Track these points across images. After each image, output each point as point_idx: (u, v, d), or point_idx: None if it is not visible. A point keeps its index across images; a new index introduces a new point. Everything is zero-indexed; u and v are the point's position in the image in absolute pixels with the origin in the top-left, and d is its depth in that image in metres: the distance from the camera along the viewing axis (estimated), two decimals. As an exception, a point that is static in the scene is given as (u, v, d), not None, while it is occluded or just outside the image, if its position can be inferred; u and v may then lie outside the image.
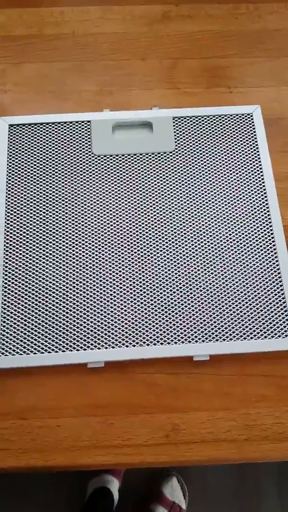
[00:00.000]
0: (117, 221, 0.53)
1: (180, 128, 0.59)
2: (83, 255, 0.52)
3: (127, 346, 0.48)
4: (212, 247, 0.52)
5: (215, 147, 0.58)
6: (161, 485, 1.01)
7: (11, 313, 0.49)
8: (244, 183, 0.56)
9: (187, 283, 0.51)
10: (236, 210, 0.54)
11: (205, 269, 0.51)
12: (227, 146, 0.58)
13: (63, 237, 0.53)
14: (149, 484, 1.03)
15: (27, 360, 0.47)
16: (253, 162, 0.57)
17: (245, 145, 0.58)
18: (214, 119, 0.59)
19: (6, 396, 0.47)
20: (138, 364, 0.48)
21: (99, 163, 0.57)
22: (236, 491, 1.06)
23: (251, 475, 1.07)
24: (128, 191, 0.55)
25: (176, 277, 0.51)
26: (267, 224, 0.54)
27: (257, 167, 0.57)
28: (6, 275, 0.51)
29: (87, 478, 1.02)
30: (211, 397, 0.47)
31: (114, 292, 0.50)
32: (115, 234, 0.53)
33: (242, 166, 0.57)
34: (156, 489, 1.00)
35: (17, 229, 0.53)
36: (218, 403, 0.47)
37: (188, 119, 0.59)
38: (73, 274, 0.51)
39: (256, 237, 0.53)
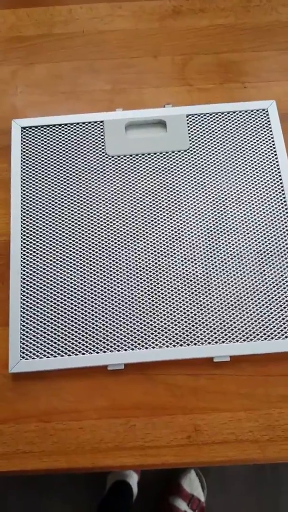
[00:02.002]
0: (133, 221, 0.53)
1: (194, 126, 0.58)
2: (100, 257, 0.52)
3: (147, 348, 0.48)
4: (230, 246, 0.52)
5: (231, 144, 0.57)
6: (180, 478, 1.01)
7: (30, 317, 0.49)
8: (261, 180, 0.55)
9: (206, 283, 0.50)
10: (253, 207, 0.54)
11: (223, 269, 0.51)
12: (242, 143, 0.57)
13: (79, 239, 0.53)
14: (167, 477, 1.03)
15: (48, 364, 0.48)
16: (270, 157, 0.56)
17: (261, 141, 0.57)
18: (229, 116, 0.58)
19: (28, 400, 0.48)
20: (158, 366, 0.48)
21: (112, 163, 0.56)
22: (255, 483, 1.06)
23: (269, 467, 1.07)
24: (143, 191, 0.55)
25: (195, 278, 0.51)
26: (285, 221, 0.53)
27: (274, 162, 0.56)
28: (24, 279, 0.51)
29: (106, 472, 1.03)
30: (233, 397, 0.47)
31: (133, 293, 0.50)
32: (132, 235, 0.53)
33: (258, 162, 0.56)
34: (174, 482, 1.01)
35: (33, 232, 0.53)
36: (239, 404, 0.47)
37: (202, 116, 0.58)
38: (91, 277, 0.51)
39: (274, 234, 0.52)
